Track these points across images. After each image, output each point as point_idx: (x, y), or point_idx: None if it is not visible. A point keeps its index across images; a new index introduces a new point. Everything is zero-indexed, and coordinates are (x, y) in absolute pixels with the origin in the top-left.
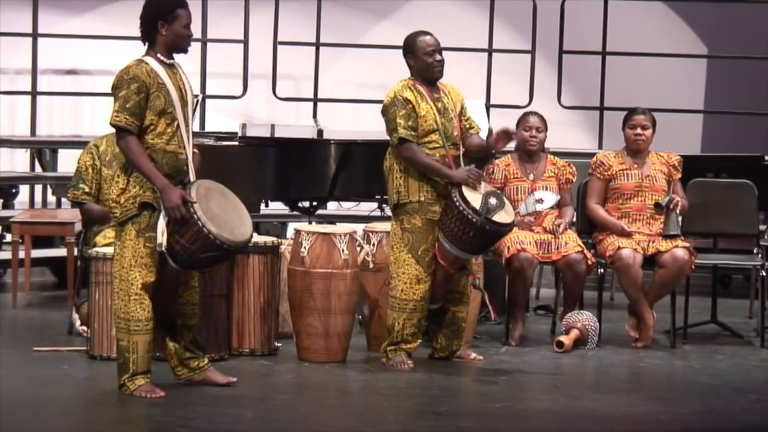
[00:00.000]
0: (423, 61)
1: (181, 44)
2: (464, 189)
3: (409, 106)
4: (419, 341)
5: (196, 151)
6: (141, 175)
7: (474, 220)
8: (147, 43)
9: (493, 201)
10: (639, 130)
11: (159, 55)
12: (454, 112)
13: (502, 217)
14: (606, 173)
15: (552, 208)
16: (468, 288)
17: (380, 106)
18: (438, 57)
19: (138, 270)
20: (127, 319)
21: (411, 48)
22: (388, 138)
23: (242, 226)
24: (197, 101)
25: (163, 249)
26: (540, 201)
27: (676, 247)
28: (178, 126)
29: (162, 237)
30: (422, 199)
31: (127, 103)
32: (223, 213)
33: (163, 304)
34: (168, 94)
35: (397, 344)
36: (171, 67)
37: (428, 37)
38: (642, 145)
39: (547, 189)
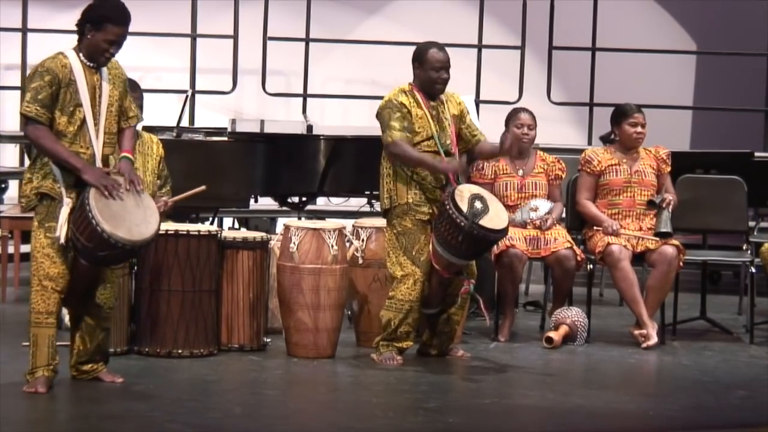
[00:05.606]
0: (428, 75)
1: (95, 55)
2: (456, 194)
3: (404, 109)
4: (412, 342)
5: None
6: (43, 167)
7: (462, 224)
8: (78, 37)
9: (478, 205)
10: (639, 129)
11: (81, 55)
12: (448, 121)
13: (493, 222)
14: (595, 169)
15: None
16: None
17: (370, 101)
18: (444, 75)
19: (40, 261)
20: (29, 310)
21: (421, 58)
22: (377, 133)
23: (144, 223)
24: (186, 97)
25: (62, 242)
26: (535, 209)
27: (665, 244)
28: (82, 125)
29: (60, 230)
30: (410, 200)
31: (39, 95)
32: (124, 210)
33: (76, 302)
34: (76, 92)
35: (390, 341)
36: (91, 68)
37: (440, 52)
38: (640, 142)
39: (539, 194)
